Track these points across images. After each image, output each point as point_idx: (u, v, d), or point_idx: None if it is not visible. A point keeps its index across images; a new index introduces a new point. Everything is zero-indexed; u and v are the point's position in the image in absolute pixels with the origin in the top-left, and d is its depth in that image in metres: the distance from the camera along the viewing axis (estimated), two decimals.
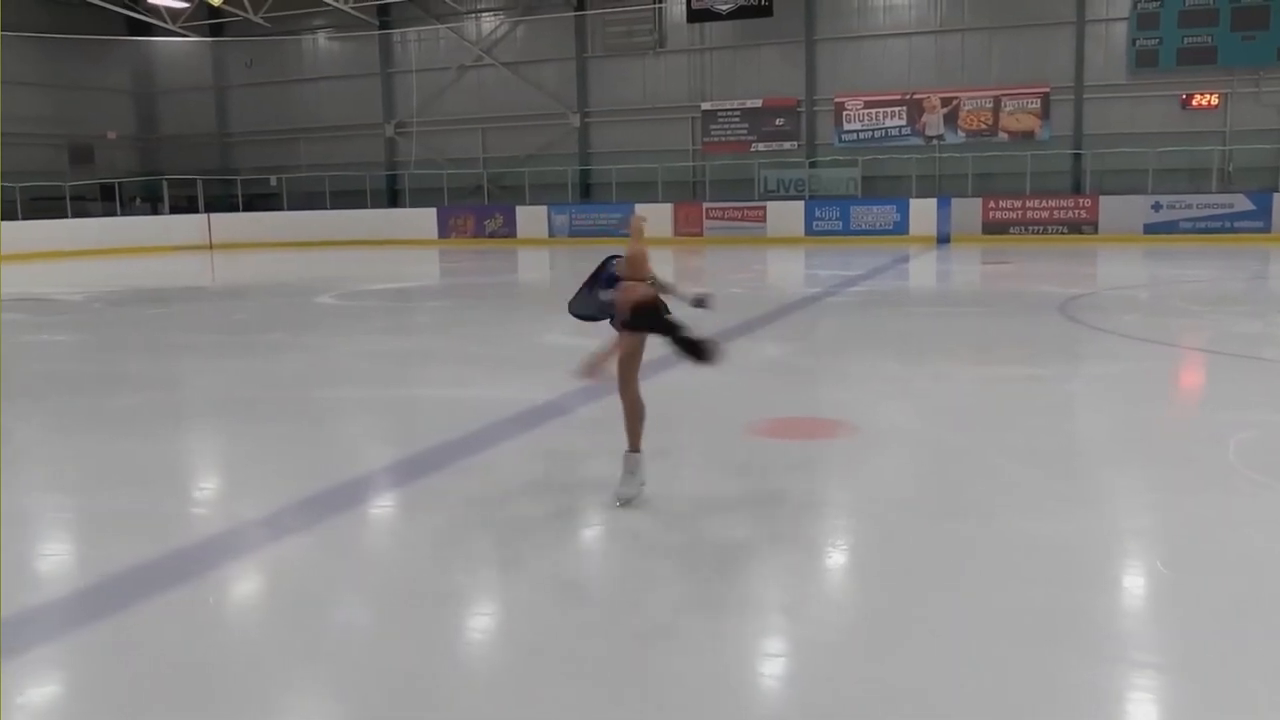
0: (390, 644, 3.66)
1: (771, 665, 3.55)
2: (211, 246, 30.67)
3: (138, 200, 34.17)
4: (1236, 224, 24.70)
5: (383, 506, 5.46)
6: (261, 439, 6.88)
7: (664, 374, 8.26)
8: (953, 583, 4.10)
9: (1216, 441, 6.20)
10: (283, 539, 4.85)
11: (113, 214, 31.78)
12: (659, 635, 3.68)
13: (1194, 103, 26.54)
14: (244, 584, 4.42)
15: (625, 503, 5.02)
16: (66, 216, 29.94)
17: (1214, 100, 26.42)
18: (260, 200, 34.27)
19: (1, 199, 28.25)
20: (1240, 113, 26.38)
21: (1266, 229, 24.36)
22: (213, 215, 31.95)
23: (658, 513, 4.93)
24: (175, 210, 33.05)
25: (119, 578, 4.30)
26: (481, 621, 4.01)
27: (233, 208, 33.40)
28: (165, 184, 33.29)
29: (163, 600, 4.08)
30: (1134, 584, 4.26)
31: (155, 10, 33.92)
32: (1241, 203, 24.80)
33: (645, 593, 4.11)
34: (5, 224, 27.11)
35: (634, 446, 5.11)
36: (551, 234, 30.59)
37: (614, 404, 7.46)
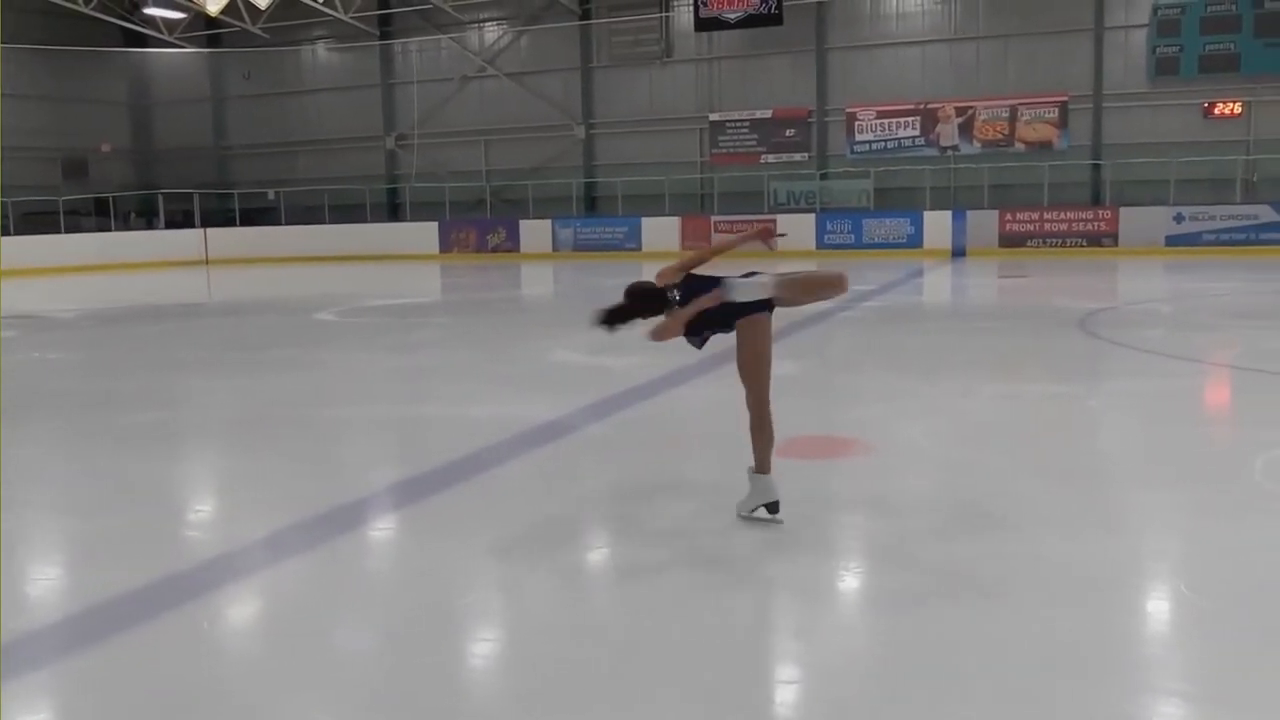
0: (392, 667, 3.58)
1: (784, 692, 3.44)
2: (208, 262, 30.15)
3: (132, 215, 33.67)
4: (1262, 236, 24.10)
5: (385, 528, 5.35)
6: (261, 458, 6.75)
7: (676, 389, 8.06)
8: (973, 607, 3.98)
9: (1244, 460, 6.13)
10: (283, 560, 4.76)
11: (107, 229, 31.26)
12: (666, 659, 3.58)
13: (1216, 111, 25.95)
14: (243, 607, 4.31)
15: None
16: (60, 231, 29.47)
17: (1237, 109, 25.83)
18: (258, 214, 33.72)
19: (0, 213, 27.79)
20: (1264, 121, 25.79)
21: None
22: (209, 230, 31.39)
23: (669, 533, 4.84)
24: (171, 225, 32.47)
25: (114, 601, 4.19)
26: (485, 646, 3.90)
27: (230, 222, 32.87)
28: (161, 198, 32.74)
29: (159, 624, 4.00)
30: (1159, 608, 4.14)
31: (151, 21, 33.43)
32: (1267, 214, 24.19)
33: (654, 615, 3.98)
34: None
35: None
36: (556, 248, 30.06)
37: (620, 422, 7.46)
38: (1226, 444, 6.85)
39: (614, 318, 4.78)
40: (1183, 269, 21.17)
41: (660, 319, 4.74)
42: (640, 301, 4.78)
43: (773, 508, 4.83)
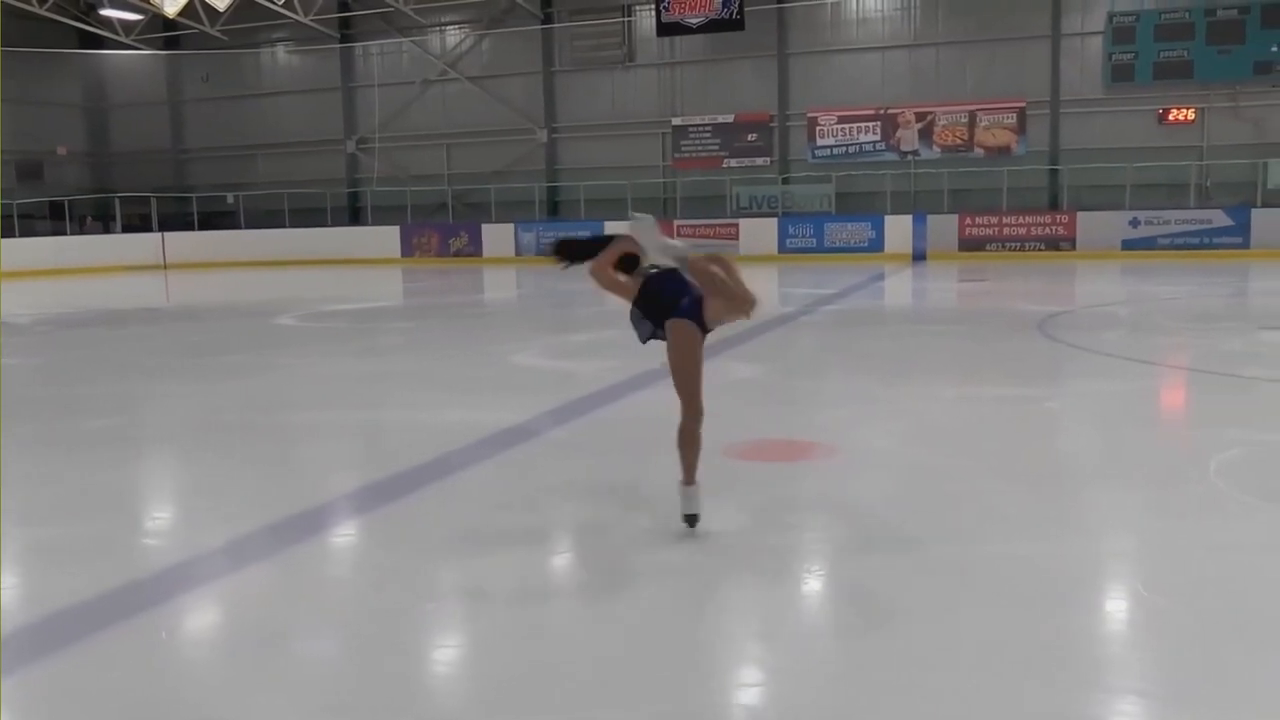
0: (355, 674, 3.56)
1: (746, 695, 3.44)
2: (166, 266, 29.79)
3: (89, 219, 33.19)
4: (1215, 240, 24.49)
5: (348, 533, 5.29)
6: (222, 464, 6.64)
7: (638, 394, 8.08)
8: (933, 608, 3.99)
9: (1199, 461, 6.17)
10: (245, 567, 4.69)
11: (62, 233, 30.79)
12: (629, 666, 3.56)
13: (1171, 117, 26.36)
14: (204, 614, 4.24)
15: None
16: (14, 235, 28.93)
17: (1190, 115, 26.24)
18: (216, 218, 33.37)
19: None
20: (1217, 127, 26.22)
21: (1245, 244, 24.18)
22: (167, 234, 30.97)
23: (632, 537, 4.82)
24: (128, 229, 32.04)
25: (73, 609, 4.13)
26: (448, 652, 3.89)
27: (188, 226, 32.45)
28: (117, 202, 32.29)
29: (118, 632, 3.95)
30: (1118, 608, 4.17)
31: (108, 22, 33.01)
32: (1219, 218, 24.59)
33: (616, 620, 3.98)
34: None
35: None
36: (518, 252, 29.93)
37: (584, 426, 7.50)
38: (1183, 445, 6.90)
39: (569, 250, 4.99)
40: (1139, 272, 21.45)
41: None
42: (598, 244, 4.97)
43: (692, 520, 4.79)
